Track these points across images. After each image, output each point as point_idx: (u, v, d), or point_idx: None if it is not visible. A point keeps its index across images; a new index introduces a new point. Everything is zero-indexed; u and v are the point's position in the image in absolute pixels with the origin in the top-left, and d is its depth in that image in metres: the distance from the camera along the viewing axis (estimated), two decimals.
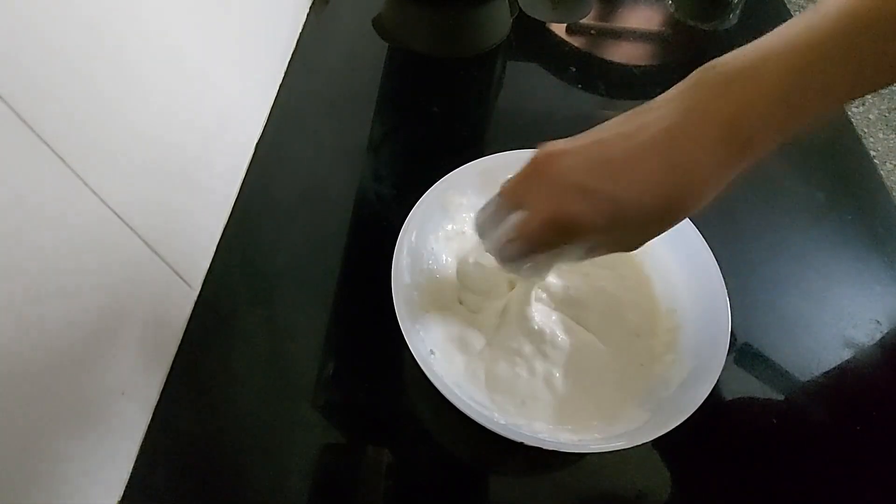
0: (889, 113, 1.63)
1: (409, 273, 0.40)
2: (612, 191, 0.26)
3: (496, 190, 0.45)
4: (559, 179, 0.28)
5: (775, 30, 0.25)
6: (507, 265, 0.33)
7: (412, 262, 0.41)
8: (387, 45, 0.65)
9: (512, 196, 0.31)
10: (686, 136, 0.25)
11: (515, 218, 0.30)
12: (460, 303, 0.43)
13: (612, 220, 0.27)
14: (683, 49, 0.70)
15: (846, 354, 0.45)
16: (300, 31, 0.66)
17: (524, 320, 0.41)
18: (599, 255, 0.30)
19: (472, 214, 0.45)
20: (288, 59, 0.62)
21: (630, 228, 0.28)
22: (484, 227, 0.33)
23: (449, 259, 0.44)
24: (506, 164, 0.44)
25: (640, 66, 0.68)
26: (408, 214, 0.41)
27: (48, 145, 0.28)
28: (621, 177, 0.26)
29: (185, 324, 0.43)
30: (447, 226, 0.44)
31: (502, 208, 0.31)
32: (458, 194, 0.44)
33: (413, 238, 0.41)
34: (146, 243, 0.37)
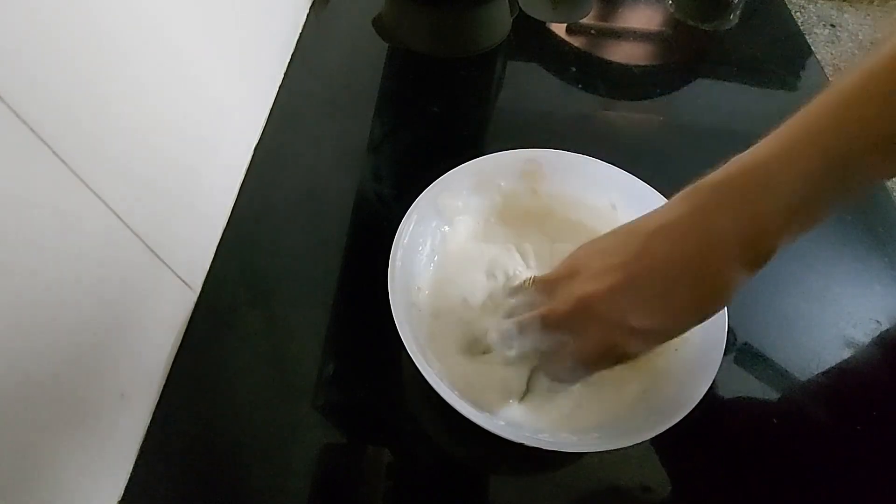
0: None
1: (405, 276, 0.40)
2: (652, 325, 0.30)
3: (491, 190, 0.45)
4: (605, 319, 0.31)
5: (777, 130, 0.26)
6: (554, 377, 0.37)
7: (408, 265, 0.41)
8: (387, 45, 0.65)
9: (557, 328, 0.34)
10: (710, 260, 0.27)
11: (567, 342, 0.33)
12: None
13: (654, 345, 0.32)
14: (683, 49, 0.70)
15: (846, 354, 0.45)
16: (300, 31, 0.66)
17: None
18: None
19: (466, 217, 0.45)
20: (288, 60, 0.62)
21: (673, 334, 0.31)
22: (515, 345, 0.37)
23: (445, 260, 0.44)
24: (499, 165, 0.45)
25: (640, 66, 0.68)
26: None
27: (48, 146, 0.28)
28: (658, 311, 0.29)
29: (185, 324, 0.43)
30: (443, 227, 0.44)
31: (544, 335, 0.35)
32: (453, 196, 0.44)
33: (408, 241, 0.41)
34: (146, 244, 0.37)
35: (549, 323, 0.33)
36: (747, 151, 0.27)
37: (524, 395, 0.38)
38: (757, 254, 0.26)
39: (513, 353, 0.36)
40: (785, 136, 0.25)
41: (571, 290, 0.32)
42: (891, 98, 0.22)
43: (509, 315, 0.38)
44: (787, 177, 0.25)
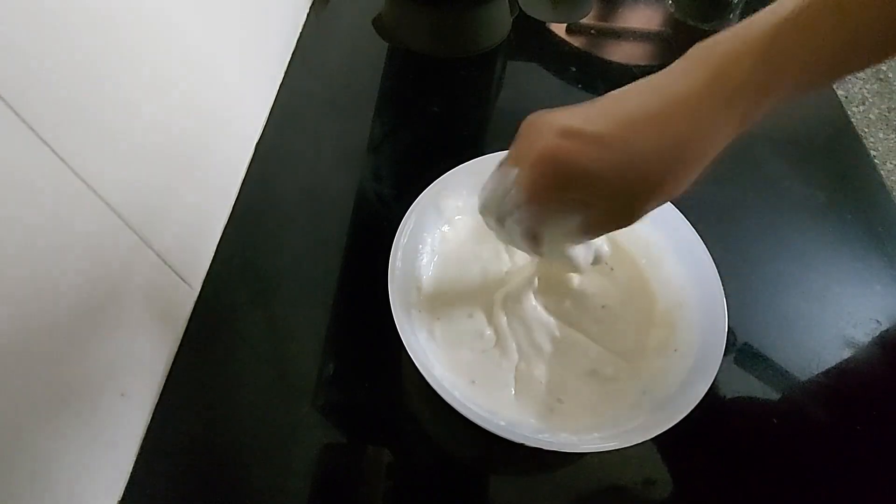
0: (889, 113, 1.63)
1: (405, 276, 0.40)
2: (603, 130, 0.26)
3: None
4: (549, 127, 0.28)
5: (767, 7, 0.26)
6: (506, 232, 0.33)
7: (408, 265, 0.41)
8: (387, 45, 0.65)
9: (509, 160, 0.31)
10: (674, 88, 0.26)
11: (514, 174, 0.30)
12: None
13: (604, 161, 0.26)
14: (683, 49, 0.69)
15: (846, 354, 0.45)
16: (300, 31, 0.66)
17: (522, 320, 0.41)
18: (597, 225, 0.29)
19: (466, 217, 0.45)
20: (288, 59, 0.62)
21: (626, 179, 0.26)
22: (487, 202, 0.33)
23: (445, 260, 0.44)
24: None
25: (640, 66, 0.68)
26: None
27: (48, 145, 0.28)
28: (612, 119, 0.26)
29: (185, 323, 0.43)
30: (442, 227, 0.44)
31: (501, 175, 0.31)
32: (453, 196, 0.44)
33: (408, 241, 0.41)
34: (146, 243, 0.37)
35: (510, 156, 0.31)
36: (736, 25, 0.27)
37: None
38: (717, 92, 0.25)
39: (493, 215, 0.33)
40: (760, 14, 0.26)
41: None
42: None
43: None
44: (755, 30, 0.25)
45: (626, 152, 0.26)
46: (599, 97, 0.28)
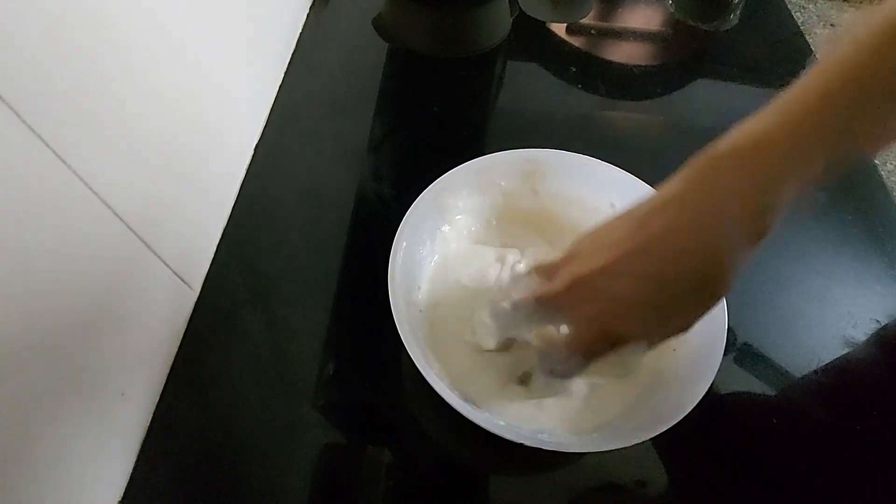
0: None
1: (405, 276, 0.40)
2: (648, 301, 0.28)
3: (491, 190, 0.45)
4: (599, 297, 0.30)
5: (770, 104, 0.26)
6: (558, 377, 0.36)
7: (408, 264, 0.41)
8: (387, 45, 0.66)
9: (551, 308, 0.33)
10: (710, 227, 0.26)
11: (562, 336, 0.33)
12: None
13: (650, 328, 0.29)
14: (683, 49, 0.70)
15: (846, 354, 0.45)
16: (300, 31, 0.66)
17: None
18: (660, 342, 0.31)
19: (466, 217, 0.45)
20: (288, 59, 0.63)
21: (675, 319, 0.29)
22: (503, 319, 0.37)
23: (445, 260, 0.44)
24: (499, 165, 0.45)
25: (640, 66, 0.68)
26: None
27: (48, 145, 0.28)
28: (653, 286, 0.28)
29: (185, 324, 0.43)
30: (442, 227, 0.44)
31: (538, 316, 0.34)
32: (454, 196, 0.44)
33: (408, 241, 0.41)
34: (146, 244, 0.37)
35: (543, 302, 0.33)
36: (743, 124, 0.26)
37: (525, 383, 0.39)
38: (754, 214, 0.26)
39: (496, 339, 0.37)
40: (784, 105, 0.25)
41: (568, 271, 0.31)
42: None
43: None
44: (786, 141, 0.25)
45: (671, 304, 0.28)
46: (629, 235, 0.29)
